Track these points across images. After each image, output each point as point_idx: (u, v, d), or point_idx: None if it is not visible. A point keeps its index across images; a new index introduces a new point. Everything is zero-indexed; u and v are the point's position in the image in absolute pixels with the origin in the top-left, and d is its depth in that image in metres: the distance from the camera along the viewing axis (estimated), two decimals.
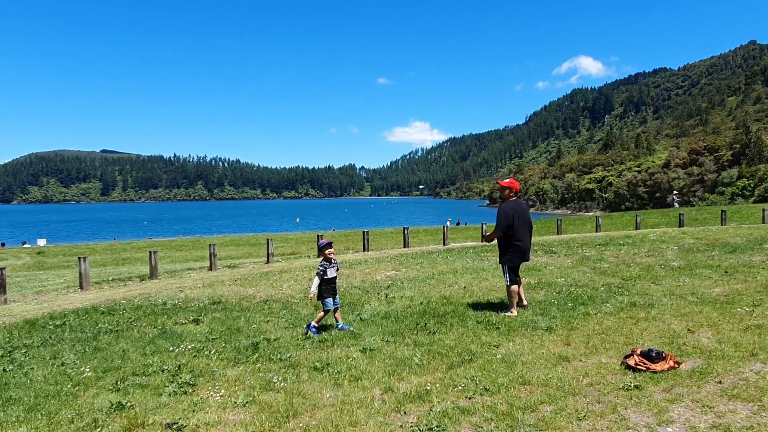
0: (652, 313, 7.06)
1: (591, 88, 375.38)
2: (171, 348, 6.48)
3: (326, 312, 7.06)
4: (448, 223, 44.19)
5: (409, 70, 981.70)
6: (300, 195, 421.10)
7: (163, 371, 5.61)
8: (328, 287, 7.01)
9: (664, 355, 5.05)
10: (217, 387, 5.09)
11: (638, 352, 5.15)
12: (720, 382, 4.60)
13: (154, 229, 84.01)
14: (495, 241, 8.08)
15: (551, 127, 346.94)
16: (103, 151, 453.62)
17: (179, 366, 5.74)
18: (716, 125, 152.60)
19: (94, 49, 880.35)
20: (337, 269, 7.22)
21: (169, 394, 4.96)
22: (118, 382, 5.31)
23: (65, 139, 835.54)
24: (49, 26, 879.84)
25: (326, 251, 7.02)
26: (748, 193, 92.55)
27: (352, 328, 7.01)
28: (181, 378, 5.33)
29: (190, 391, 5.03)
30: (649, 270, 10.58)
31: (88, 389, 5.22)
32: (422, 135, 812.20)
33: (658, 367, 4.90)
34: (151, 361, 5.98)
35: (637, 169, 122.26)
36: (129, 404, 4.73)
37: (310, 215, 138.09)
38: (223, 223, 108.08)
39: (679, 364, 5.00)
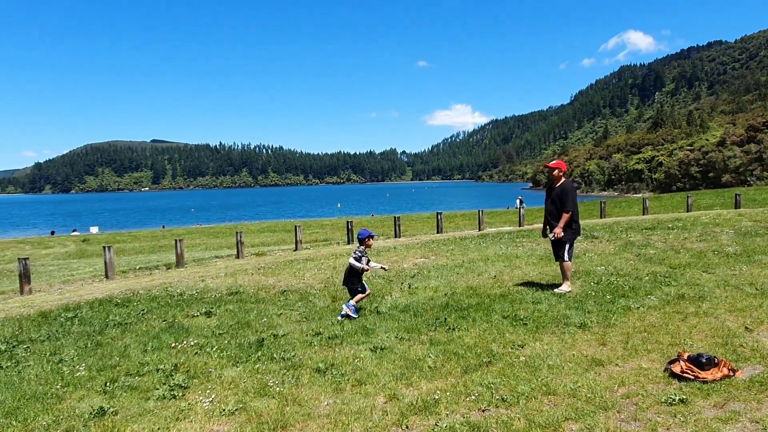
0: (703, 308, 6.25)
1: (640, 64, 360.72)
2: (173, 344, 6.12)
3: (366, 294, 7.06)
4: (517, 203, 43.19)
5: (449, 52, 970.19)
6: (342, 180, 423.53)
7: (158, 371, 5.24)
8: (356, 278, 6.99)
9: (716, 360, 4.31)
10: (209, 391, 4.68)
11: (685, 356, 4.42)
12: None
13: (201, 216, 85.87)
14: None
15: (598, 107, 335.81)
16: (153, 141, 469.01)
17: (176, 365, 5.36)
18: None
19: (143, 43, 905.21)
20: (368, 261, 7.04)
21: (157, 399, 4.57)
22: (108, 384, 4.97)
23: (118, 130, 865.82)
24: (99, 24, 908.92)
25: (369, 241, 7.07)
26: None
27: (355, 316, 6.84)
28: (174, 380, 4.94)
29: (180, 395, 4.63)
30: (701, 257, 9.62)
31: (77, 390, 4.90)
32: (463, 118, 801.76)
33: (709, 375, 4.18)
34: (149, 359, 5.62)
35: (689, 147, 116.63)
36: (112, 410, 4.37)
37: (351, 200, 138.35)
38: (266, 209, 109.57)
39: (734, 371, 4.26)
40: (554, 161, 7.92)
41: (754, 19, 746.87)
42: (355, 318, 6.74)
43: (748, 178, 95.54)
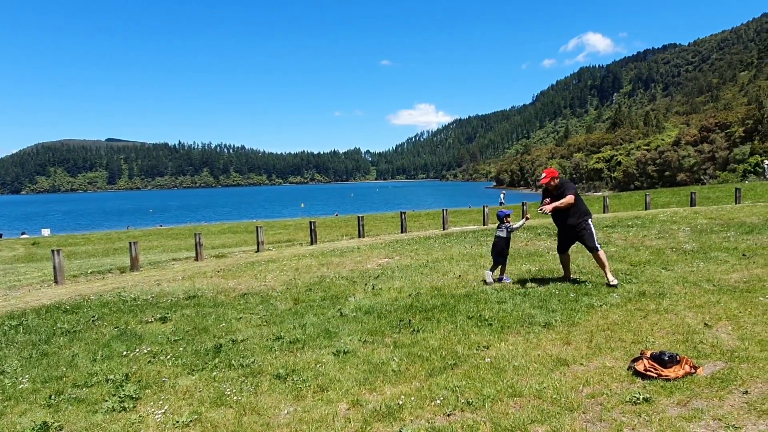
0: (664, 305, 6.31)
1: (599, 65, 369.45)
2: (125, 352, 5.83)
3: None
4: (501, 197, 44.29)
5: (413, 52, 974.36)
6: (306, 180, 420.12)
7: (107, 381, 4.96)
8: (508, 247, 8.36)
9: (678, 358, 4.33)
10: (162, 402, 4.44)
11: (648, 354, 4.43)
12: (746, 392, 3.87)
13: (159, 218, 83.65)
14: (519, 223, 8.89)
15: (558, 107, 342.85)
16: (108, 139, 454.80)
17: (127, 375, 5.09)
18: (728, 101, 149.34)
19: (96, 38, 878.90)
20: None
21: (106, 411, 4.31)
22: (53, 396, 4.66)
23: (70, 128, 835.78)
24: (51, 17, 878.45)
25: (507, 220, 8.45)
26: (760, 170, 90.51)
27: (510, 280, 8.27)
28: (124, 390, 4.67)
29: (131, 407, 4.38)
30: (660, 254, 9.81)
31: (19, 405, 4.58)
32: (427, 117, 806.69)
33: (671, 373, 4.18)
34: (98, 369, 5.32)
35: (646, 147, 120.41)
36: (56, 425, 4.10)
37: (315, 200, 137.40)
38: (228, 210, 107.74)
39: (696, 368, 4.27)
40: (543, 176, 7.69)
41: (706, 23, 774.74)
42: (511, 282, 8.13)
43: (702, 177, 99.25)
